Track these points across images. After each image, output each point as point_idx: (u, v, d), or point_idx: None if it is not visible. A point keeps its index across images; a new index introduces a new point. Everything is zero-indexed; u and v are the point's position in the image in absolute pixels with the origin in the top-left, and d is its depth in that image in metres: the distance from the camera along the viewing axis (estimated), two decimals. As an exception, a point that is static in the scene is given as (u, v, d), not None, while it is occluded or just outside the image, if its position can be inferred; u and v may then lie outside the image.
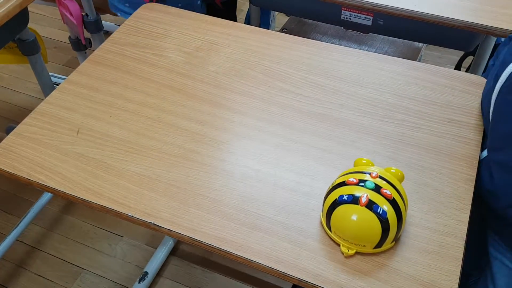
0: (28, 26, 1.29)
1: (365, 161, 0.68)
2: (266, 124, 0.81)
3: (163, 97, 0.86)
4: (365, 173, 0.64)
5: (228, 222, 0.67)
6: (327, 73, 0.90)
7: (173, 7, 1.05)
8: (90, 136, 0.78)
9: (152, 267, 1.37)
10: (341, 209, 0.62)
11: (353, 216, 0.61)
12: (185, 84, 0.88)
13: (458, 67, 1.50)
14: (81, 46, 1.68)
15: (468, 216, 0.67)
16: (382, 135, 0.78)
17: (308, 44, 0.96)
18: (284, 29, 1.52)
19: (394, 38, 1.43)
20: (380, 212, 0.60)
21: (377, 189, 0.62)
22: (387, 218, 0.61)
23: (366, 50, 1.42)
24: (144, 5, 1.06)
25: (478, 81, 0.87)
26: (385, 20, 1.14)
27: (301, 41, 0.97)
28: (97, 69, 0.91)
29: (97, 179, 0.72)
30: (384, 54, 1.40)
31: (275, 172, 0.74)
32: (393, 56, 1.43)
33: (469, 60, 1.38)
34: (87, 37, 1.55)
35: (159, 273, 1.39)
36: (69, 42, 1.58)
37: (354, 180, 0.63)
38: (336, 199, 0.63)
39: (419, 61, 1.49)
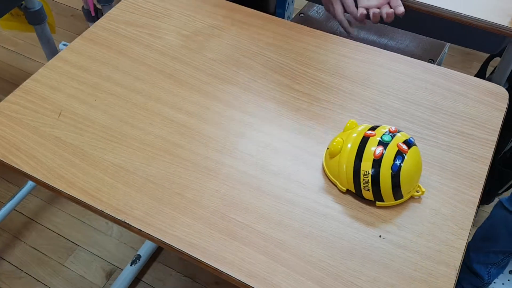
0: None
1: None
2: (258, 122, 0.75)
3: (153, 82, 0.81)
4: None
5: (203, 227, 0.63)
6: (331, 69, 0.83)
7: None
8: (72, 120, 0.74)
9: (145, 251, 1.35)
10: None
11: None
12: (178, 70, 0.83)
13: (483, 69, 1.40)
14: (92, 17, 1.64)
15: (465, 243, 0.61)
16: (381, 143, 0.72)
17: (315, 36, 0.89)
18: (301, 14, 1.44)
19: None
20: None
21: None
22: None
23: (386, 43, 1.34)
24: (147, -19, 1.00)
25: (496, 91, 0.80)
26: (405, 13, 1.06)
27: (308, 32, 0.90)
28: (89, 47, 0.86)
29: (72, 167, 0.68)
30: (404, 48, 1.32)
31: (261, 175, 0.69)
32: (414, 51, 1.35)
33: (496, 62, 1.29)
34: (100, 8, 1.51)
35: (152, 257, 1.37)
36: (86, 11, 1.54)
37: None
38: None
39: (442, 59, 1.40)
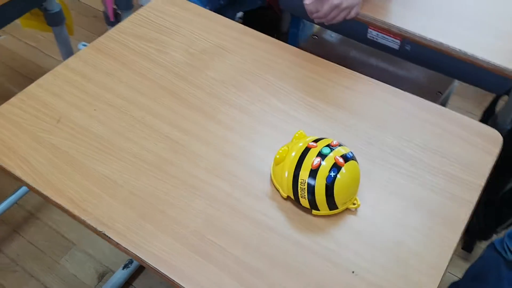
0: None
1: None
2: (251, 145, 0.76)
3: (153, 97, 0.82)
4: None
5: (181, 247, 0.64)
6: (330, 98, 0.84)
7: (191, 3, 1.01)
8: (69, 128, 0.77)
9: (139, 255, 1.37)
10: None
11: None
12: (180, 87, 0.85)
13: (492, 106, 1.39)
14: (111, 22, 1.67)
15: (436, 286, 0.61)
16: (367, 177, 0.72)
17: (318, 64, 0.90)
18: (315, 36, 1.45)
19: (426, 64, 1.34)
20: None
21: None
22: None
23: (395, 72, 1.34)
24: (161, -4, 1.03)
25: (491, 134, 0.79)
26: (413, 47, 1.06)
27: (312, 59, 0.91)
28: (96, 56, 0.89)
29: (63, 174, 0.70)
30: (413, 78, 1.32)
31: (246, 200, 0.69)
32: (422, 82, 1.35)
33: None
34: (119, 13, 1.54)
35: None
36: (108, 14, 1.57)
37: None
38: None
39: (451, 92, 1.39)
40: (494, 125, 1.31)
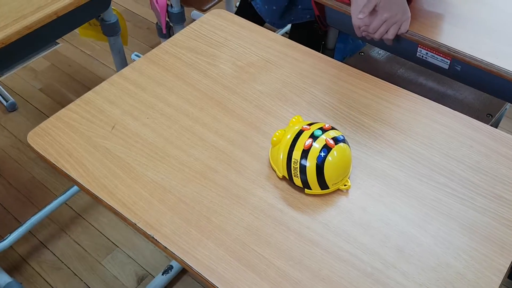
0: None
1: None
2: (295, 157, 0.77)
3: (202, 107, 0.85)
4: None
5: (224, 253, 0.65)
6: (375, 114, 0.84)
7: (239, 17, 1.05)
8: (123, 134, 0.80)
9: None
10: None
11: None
12: (228, 98, 0.87)
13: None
14: (163, 34, 1.73)
15: (484, 312, 0.60)
16: (414, 196, 0.72)
17: (363, 79, 0.91)
18: (361, 53, 1.45)
19: (476, 84, 1.31)
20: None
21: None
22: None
23: (444, 92, 1.32)
24: (213, 11, 1.06)
25: (545, 158, 0.77)
26: (463, 67, 1.05)
27: (357, 74, 0.91)
28: (149, 67, 0.93)
29: (116, 178, 0.74)
30: (462, 99, 1.30)
31: (288, 211, 0.70)
32: (472, 103, 1.32)
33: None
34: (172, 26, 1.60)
35: (184, 270, 1.41)
36: (160, 26, 1.63)
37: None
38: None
39: (502, 115, 1.35)
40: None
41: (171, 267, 1.38)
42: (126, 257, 1.44)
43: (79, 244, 1.47)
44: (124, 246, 1.47)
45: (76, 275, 1.40)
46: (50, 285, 1.38)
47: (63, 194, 1.50)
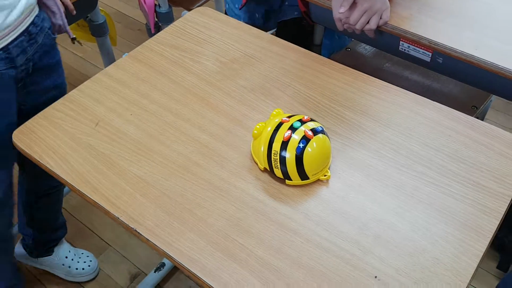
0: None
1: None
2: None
3: (185, 103, 0.86)
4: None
5: (206, 244, 0.66)
6: (356, 106, 0.85)
7: (224, 14, 1.06)
8: (107, 131, 0.81)
9: (170, 259, 1.40)
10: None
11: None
12: (211, 94, 0.88)
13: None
14: (152, 34, 1.74)
15: (460, 296, 0.61)
16: (393, 184, 0.73)
17: (347, 73, 0.92)
18: (348, 48, 1.47)
19: (461, 76, 1.32)
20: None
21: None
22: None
23: (429, 85, 1.33)
24: (197, 9, 1.08)
25: (523, 146, 0.78)
26: (444, 59, 1.06)
27: (339, 68, 0.93)
28: (134, 65, 0.94)
29: (99, 174, 0.75)
30: (447, 92, 1.31)
31: (270, 202, 0.72)
32: (457, 96, 1.33)
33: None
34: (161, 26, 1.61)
35: (176, 267, 1.42)
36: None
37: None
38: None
39: (488, 107, 1.37)
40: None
41: (163, 265, 1.39)
42: (118, 256, 1.45)
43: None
44: (116, 244, 1.48)
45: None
46: (44, 285, 1.39)
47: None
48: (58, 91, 1.00)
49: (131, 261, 1.44)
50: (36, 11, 0.90)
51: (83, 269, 1.36)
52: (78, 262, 1.37)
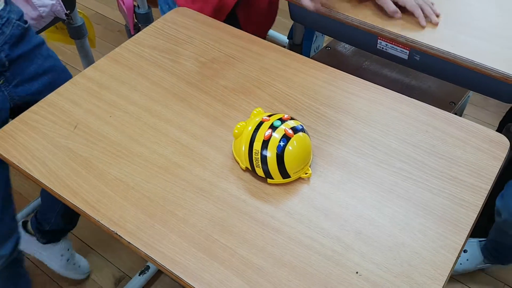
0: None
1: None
2: (257, 149, 0.79)
3: (165, 104, 0.86)
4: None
5: (188, 246, 0.66)
6: (336, 104, 0.86)
7: (203, 14, 1.06)
8: (85, 133, 0.81)
9: (155, 261, 1.40)
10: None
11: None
12: (191, 94, 0.88)
13: (507, 119, 1.38)
14: (132, 35, 1.73)
15: (440, 288, 0.62)
16: (372, 181, 0.74)
17: (325, 71, 0.93)
18: (328, 47, 1.48)
19: (439, 73, 1.35)
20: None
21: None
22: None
23: (408, 82, 1.35)
24: (176, 9, 1.07)
25: (498, 140, 0.80)
26: (422, 57, 1.08)
27: (319, 67, 0.93)
28: (112, 66, 0.93)
29: (79, 177, 0.74)
30: (426, 89, 1.33)
31: (252, 201, 0.72)
32: (435, 92, 1.35)
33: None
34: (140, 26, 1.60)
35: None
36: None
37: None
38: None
39: (466, 102, 1.39)
40: (507, 133, 1.30)
41: (147, 268, 1.38)
42: (102, 260, 1.44)
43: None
44: (100, 248, 1.47)
45: (53, 280, 1.40)
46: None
47: (36, 199, 1.49)
48: (51, 75, 0.99)
49: (115, 265, 1.43)
50: (2, 5, 0.91)
51: (79, 266, 1.37)
52: (75, 258, 1.37)
